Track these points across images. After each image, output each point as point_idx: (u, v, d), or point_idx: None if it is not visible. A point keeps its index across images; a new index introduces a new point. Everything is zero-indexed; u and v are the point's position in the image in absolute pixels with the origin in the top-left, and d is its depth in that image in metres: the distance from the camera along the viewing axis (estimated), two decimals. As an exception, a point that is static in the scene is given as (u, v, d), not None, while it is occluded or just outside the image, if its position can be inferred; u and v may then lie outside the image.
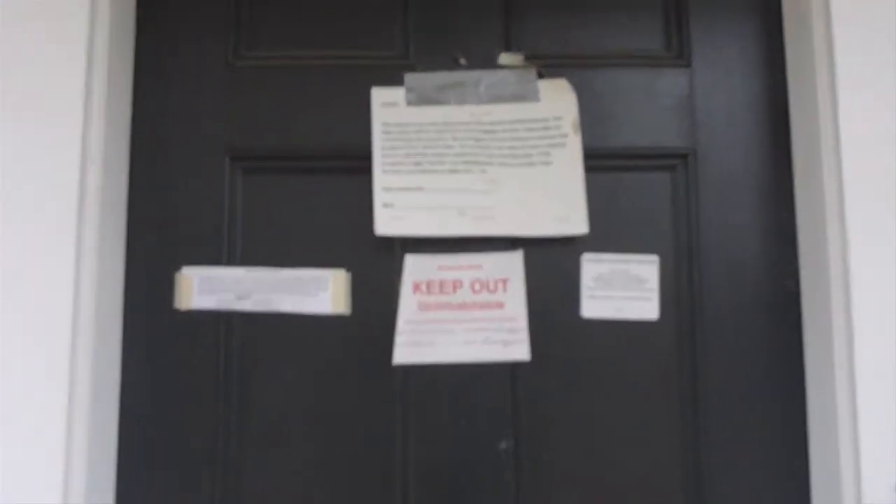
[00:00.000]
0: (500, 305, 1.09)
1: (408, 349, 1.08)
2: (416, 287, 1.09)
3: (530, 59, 1.13)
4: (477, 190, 1.07)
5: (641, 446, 1.07)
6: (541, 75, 1.12)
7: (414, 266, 1.10)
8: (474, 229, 1.06)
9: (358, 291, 1.10)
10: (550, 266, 1.11)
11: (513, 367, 1.09)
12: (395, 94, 1.12)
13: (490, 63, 1.14)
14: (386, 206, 1.06)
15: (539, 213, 1.07)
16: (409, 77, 1.13)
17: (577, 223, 1.07)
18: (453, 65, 1.14)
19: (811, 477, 1.05)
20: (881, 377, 0.96)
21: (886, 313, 0.97)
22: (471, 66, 1.13)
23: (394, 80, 1.13)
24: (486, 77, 1.13)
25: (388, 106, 1.11)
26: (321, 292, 1.10)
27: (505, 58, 1.14)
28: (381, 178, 1.07)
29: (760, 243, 1.10)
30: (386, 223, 1.06)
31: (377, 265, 1.11)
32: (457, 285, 1.10)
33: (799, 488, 1.05)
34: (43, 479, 0.95)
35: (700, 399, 1.08)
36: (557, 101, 1.11)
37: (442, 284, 1.10)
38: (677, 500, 1.06)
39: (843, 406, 0.98)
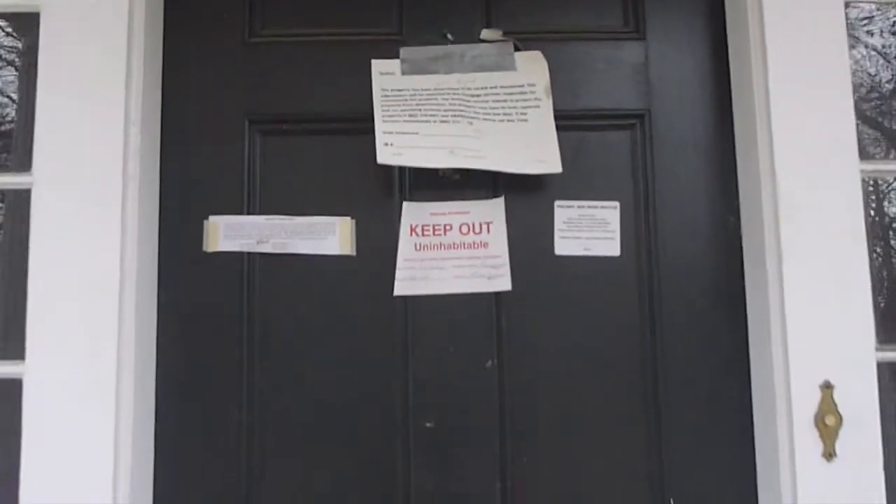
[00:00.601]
0: (485, 245, 1.26)
1: (406, 283, 1.25)
2: (413, 230, 1.26)
3: (508, 34, 1.30)
4: (465, 135, 1.23)
5: (606, 360, 1.25)
6: (517, 48, 1.29)
7: (410, 212, 1.26)
8: (462, 163, 1.21)
9: (362, 235, 1.27)
10: (528, 211, 1.28)
11: (496, 297, 1.26)
12: (392, 65, 1.29)
13: (473, 38, 1.30)
14: (387, 144, 1.21)
15: (520, 155, 1.23)
16: (404, 50, 1.29)
17: (552, 164, 1.22)
18: (442, 40, 1.30)
19: (752, 377, 1.23)
20: (805, 291, 1.14)
21: (808, 237, 1.15)
22: (457, 40, 1.30)
23: (390, 53, 1.29)
24: (469, 50, 1.30)
25: (385, 75, 1.28)
26: (329, 236, 1.27)
27: (486, 33, 1.30)
28: (382, 125, 1.22)
29: (705, 187, 1.28)
30: (386, 156, 1.21)
31: (378, 213, 1.27)
32: (447, 228, 1.26)
33: (741, 385, 1.23)
34: (99, 395, 1.12)
35: (656, 319, 1.25)
36: (532, 69, 1.28)
37: (434, 228, 1.26)
38: (637, 401, 1.24)
39: (776, 316, 1.16)
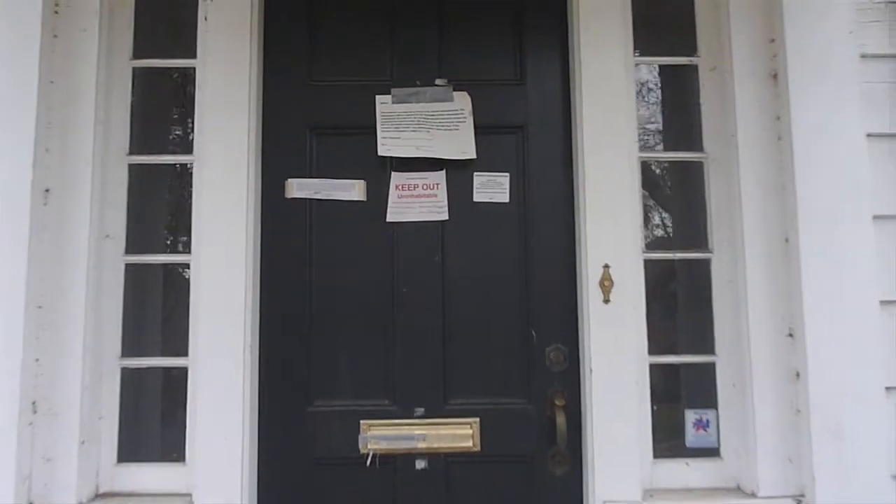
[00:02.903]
0: (435, 195, 2.28)
1: (393, 214, 2.27)
2: (397, 187, 2.28)
3: (450, 81, 2.32)
4: (425, 139, 2.26)
5: (499, 257, 2.28)
6: (455, 89, 2.31)
7: (396, 177, 2.29)
8: (422, 154, 2.25)
9: (369, 190, 2.29)
10: (459, 177, 2.30)
11: (441, 224, 2.28)
12: (387, 98, 2.30)
13: (431, 83, 2.33)
14: (382, 144, 2.25)
15: (453, 149, 2.26)
16: (394, 91, 2.31)
17: (470, 153, 2.26)
18: (415, 84, 2.32)
19: (576, 263, 2.26)
20: (597, 218, 2.17)
21: (599, 193, 2.17)
22: (422, 85, 2.32)
23: (386, 91, 2.31)
24: (429, 90, 2.31)
25: (383, 104, 2.30)
26: (352, 190, 2.29)
27: (438, 81, 2.32)
28: (381, 133, 2.26)
29: (556, 165, 2.30)
30: (383, 151, 2.25)
31: (379, 177, 2.30)
32: (415, 186, 2.28)
33: (570, 267, 2.25)
34: (236, 266, 2.14)
35: (527, 237, 2.28)
36: (462, 101, 2.30)
37: (409, 185, 2.28)
38: (515, 277, 2.27)
39: (582, 232, 2.19)
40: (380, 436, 2.20)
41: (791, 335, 2.14)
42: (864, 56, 2.18)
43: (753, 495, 2.12)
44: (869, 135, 2.14)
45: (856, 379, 2.06)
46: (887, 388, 2.07)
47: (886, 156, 2.15)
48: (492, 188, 2.30)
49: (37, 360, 2.07)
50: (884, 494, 2.05)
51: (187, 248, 2.22)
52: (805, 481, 2.08)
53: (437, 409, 2.23)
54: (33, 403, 2.06)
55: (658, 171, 2.41)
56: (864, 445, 2.05)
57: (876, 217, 2.12)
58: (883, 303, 2.10)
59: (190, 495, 2.10)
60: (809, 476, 2.05)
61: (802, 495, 2.08)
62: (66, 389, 2.09)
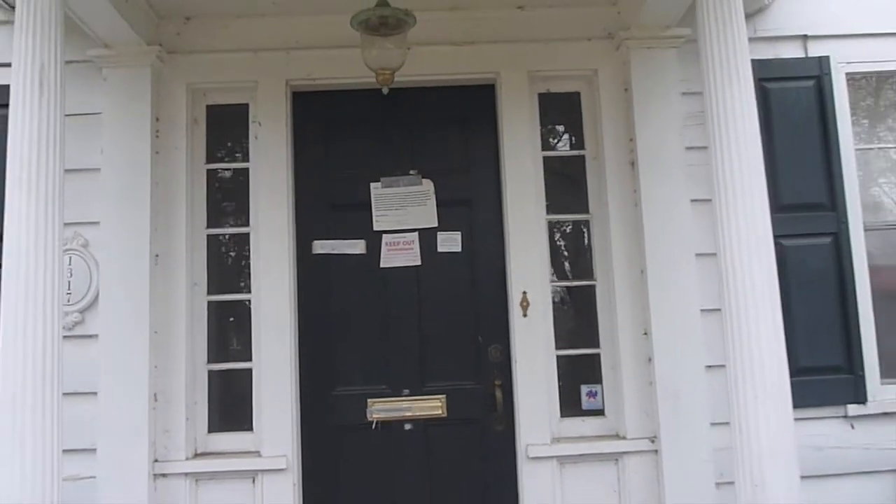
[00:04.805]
0: (412, 248, 3.34)
1: (385, 262, 3.34)
2: (386, 244, 3.35)
3: (419, 172, 3.38)
4: (401, 215, 3.33)
5: (455, 288, 3.35)
6: (423, 177, 3.37)
7: (386, 237, 3.35)
8: (402, 226, 3.32)
9: (368, 246, 3.35)
10: (427, 236, 3.37)
11: (416, 267, 3.35)
12: (378, 184, 3.37)
13: (406, 173, 3.39)
14: (377, 221, 3.32)
15: (422, 220, 3.33)
16: (382, 179, 3.38)
17: (432, 223, 3.33)
18: (396, 174, 3.38)
19: (505, 290, 3.31)
20: (519, 255, 3.23)
21: (519, 246, 3.23)
22: (401, 174, 3.38)
23: (377, 179, 3.38)
24: (405, 178, 3.38)
25: (375, 188, 3.37)
26: (357, 247, 3.34)
27: (411, 172, 3.39)
28: (375, 213, 3.33)
29: (493, 224, 3.36)
30: (377, 227, 3.33)
31: (374, 238, 3.36)
32: (399, 243, 3.35)
33: (503, 296, 3.31)
34: (285, 304, 3.19)
35: (474, 273, 3.35)
36: (427, 186, 3.36)
37: (394, 243, 3.35)
38: (467, 302, 3.33)
39: (510, 267, 3.25)
40: (380, 409, 3.25)
41: (645, 334, 3.21)
42: (688, 148, 3.27)
43: (624, 438, 3.18)
44: (692, 200, 3.23)
45: (686, 361, 3.14)
46: (707, 367, 3.14)
47: (703, 214, 3.21)
48: (450, 242, 3.36)
49: (155, 366, 3.12)
50: (704, 435, 3.11)
51: (248, 289, 3.28)
52: (655, 428, 3.15)
53: (418, 390, 3.29)
54: (154, 395, 3.10)
55: (560, 226, 3.48)
56: (692, 404, 3.12)
57: (697, 254, 3.20)
58: (703, 311, 3.18)
59: (258, 451, 3.15)
60: (657, 425, 3.12)
61: (655, 436, 3.15)
62: (174, 385, 3.14)
